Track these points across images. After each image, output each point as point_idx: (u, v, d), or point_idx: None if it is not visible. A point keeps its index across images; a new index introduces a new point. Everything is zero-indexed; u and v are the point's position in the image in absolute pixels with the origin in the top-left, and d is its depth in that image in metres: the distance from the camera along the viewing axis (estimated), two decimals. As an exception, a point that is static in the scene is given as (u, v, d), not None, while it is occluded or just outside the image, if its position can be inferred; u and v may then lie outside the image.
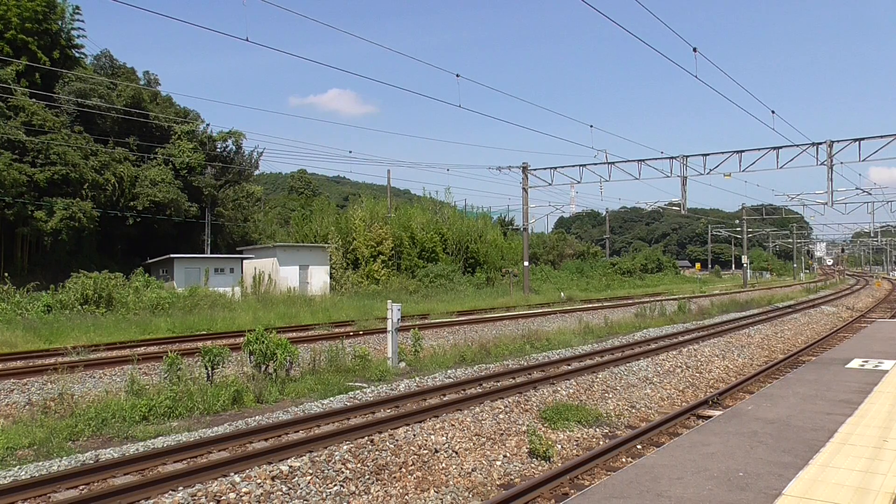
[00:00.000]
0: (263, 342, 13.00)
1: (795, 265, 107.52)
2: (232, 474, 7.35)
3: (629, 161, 36.98)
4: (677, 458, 7.21)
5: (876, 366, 13.35)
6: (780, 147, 32.87)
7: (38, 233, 33.35)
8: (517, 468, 9.15)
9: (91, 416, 9.95)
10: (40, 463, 7.94)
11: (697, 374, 15.86)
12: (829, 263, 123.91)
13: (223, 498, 6.83)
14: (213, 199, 43.68)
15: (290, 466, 7.64)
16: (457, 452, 9.10)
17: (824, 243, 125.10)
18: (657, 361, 15.83)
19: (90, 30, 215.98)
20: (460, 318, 26.81)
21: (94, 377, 13.73)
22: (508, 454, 9.46)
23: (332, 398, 11.53)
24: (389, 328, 15.45)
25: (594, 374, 13.85)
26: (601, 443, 10.39)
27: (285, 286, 37.21)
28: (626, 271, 70.73)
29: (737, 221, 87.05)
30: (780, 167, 33.74)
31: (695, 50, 19.96)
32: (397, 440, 8.90)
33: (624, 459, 9.25)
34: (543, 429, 10.49)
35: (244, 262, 38.80)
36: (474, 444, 9.46)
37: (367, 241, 46.47)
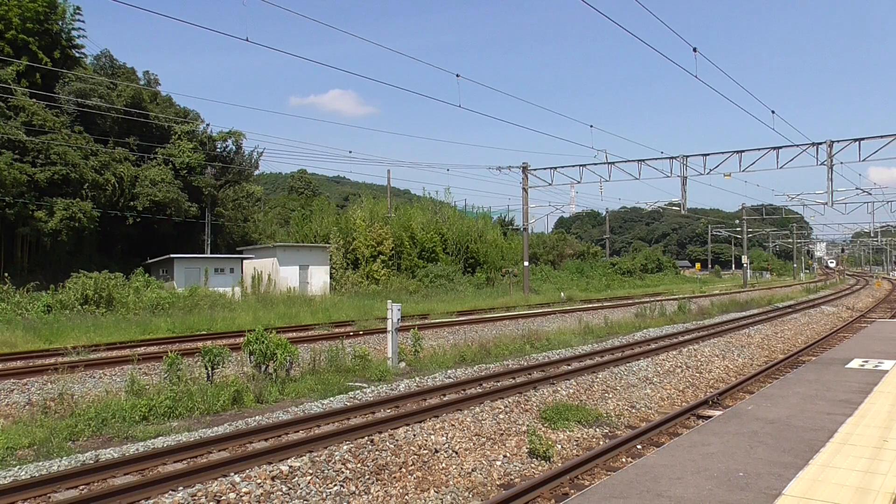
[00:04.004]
0: (263, 342, 12.99)
1: (795, 265, 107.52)
2: (232, 474, 7.35)
3: (629, 161, 37.00)
4: (677, 458, 7.21)
5: (876, 366, 13.35)
6: (780, 147, 32.87)
7: (38, 233, 33.34)
8: (517, 468, 9.15)
9: (91, 416, 9.95)
10: (40, 463, 7.94)
11: (697, 374, 15.86)
12: (832, 265, 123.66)
13: (223, 498, 6.83)
14: (213, 199, 43.67)
15: (290, 466, 7.64)
16: (457, 452, 9.10)
17: (824, 243, 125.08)
18: (657, 361, 15.82)
19: (90, 30, 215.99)
20: (460, 318, 26.80)
21: (94, 377, 13.73)
22: (508, 454, 9.45)
23: (332, 398, 11.53)
24: (389, 328, 15.45)
25: (594, 374, 13.85)
26: (601, 443, 10.39)
27: (285, 286, 37.21)
28: (626, 271, 70.71)
29: (737, 221, 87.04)
30: (780, 167, 33.78)
31: (695, 50, 19.98)
32: (397, 440, 8.90)
33: (624, 459, 9.25)
34: (543, 429, 10.48)
35: (244, 262, 38.80)
36: (474, 444, 9.46)
37: (367, 241, 46.48)
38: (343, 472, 7.81)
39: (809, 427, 8.41)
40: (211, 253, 41.70)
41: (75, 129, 36.59)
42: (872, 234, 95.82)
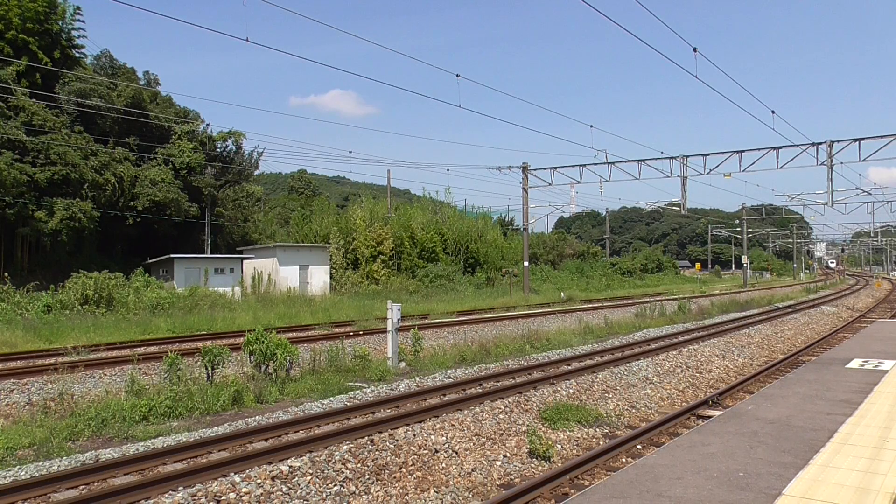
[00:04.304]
0: (263, 342, 12.99)
1: (795, 265, 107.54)
2: (232, 474, 7.35)
3: (629, 161, 36.99)
4: (677, 458, 7.21)
5: (876, 366, 13.35)
6: (780, 147, 32.86)
7: (38, 233, 33.34)
8: (517, 468, 9.15)
9: (91, 416, 9.94)
10: (40, 463, 7.94)
11: (697, 374, 15.86)
12: (832, 265, 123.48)
13: (223, 498, 6.83)
14: (213, 199, 43.66)
15: (290, 466, 7.64)
16: (457, 452, 9.10)
17: (824, 243, 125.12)
18: (657, 361, 15.82)
19: (90, 30, 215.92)
20: (460, 318, 26.80)
21: (94, 377, 13.73)
22: (508, 454, 9.45)
23: (332, 398, 11.53)
24: (389, 328, 15.45)
25: (594, 374, 13.85)
26: (601, 443, 10.39)
27: (285, 286, 37.21)
28: (626, 271, 70.73)
29: (737, 221, 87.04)
30: (780, 167, 33.77)
31: (695, 50, 19.97)
32: (397, 440, 8.90)
33: (624, 459, 9.25)
34: (543, 429, 10.48)
35: (244, 262, 38.80)
36: (474, 444, 9.46)
37: (367, 241, 46.49)
38: (343, 472, 7.81)
39: (809, 427, 8.41)
40: (211, 253, 41.70)
41: (75, 129, 36.58)
42: (872, 234, 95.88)
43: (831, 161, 31.64)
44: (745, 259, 76.22)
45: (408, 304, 29.83)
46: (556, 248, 73.10)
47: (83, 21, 46.80)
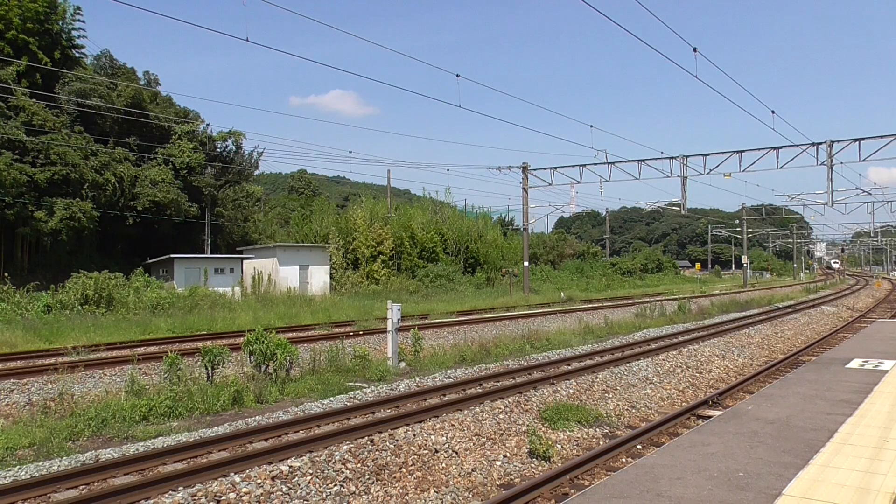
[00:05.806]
0: (263, 342, 12.99)
1: (795, 265, 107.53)
2: (232, 474, 7.35)
3: (629, 161, 36.99)
4: (677, 458, 7.21)
5: (876, 366, 13.35)
6: (780, 147, 32.86)
7: (38, 233, 33.35)
8: (517, 468, 9.15)
9: (91, 416, 9.95)
10: (40, 463, 7.94)
11: (697, 374, 15.86)
12: (834, 265, 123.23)
13: (223, 498, 6.84)
14: (213, 199, 43.67)
15: (290, 466, 7.64)
16: (457, 452, 9.10)
17: (824, 243, 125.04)
18: (657, 361, 15.82)
19: (90, 30, 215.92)
20: (460, 318, 26.80)
21: (94, 377, 13.73)
22: (508, 454, 9.45)
23: (332, 398, 11.53)
24: (389, 328, 15.45)
25: (594, 374, 13.85)
26: (601, 443, 10.39)
27: (285, 286, 37.21)
28: (626, 271, 70.72)
29: (737, 221, 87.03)
30: (780, 167, 33.76)
31: (695, 50, 19.97)
32: (397, 440, 8.90)
33: (624, 459, 9.25)
34: (543, 429, 10.48)
35: (244, 262, 38.80)
36: (474, 444, 9.46)
37: (367, 241, 46.50)
38: (343, 472, 7.81)
39: (809, 427, 8.41)
40: (211, 253, 41.70)
41: (75, 129, 36.58)
42: (872, 234, 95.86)
43: (831, 161, 31.64)
44: (745, 259, 76.22)
45: (408, 304, 29.83)
46: (556, 248, 73.13)
47: (83, 21, 46.85)
